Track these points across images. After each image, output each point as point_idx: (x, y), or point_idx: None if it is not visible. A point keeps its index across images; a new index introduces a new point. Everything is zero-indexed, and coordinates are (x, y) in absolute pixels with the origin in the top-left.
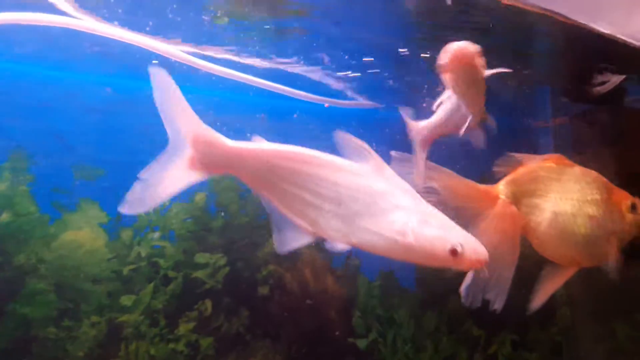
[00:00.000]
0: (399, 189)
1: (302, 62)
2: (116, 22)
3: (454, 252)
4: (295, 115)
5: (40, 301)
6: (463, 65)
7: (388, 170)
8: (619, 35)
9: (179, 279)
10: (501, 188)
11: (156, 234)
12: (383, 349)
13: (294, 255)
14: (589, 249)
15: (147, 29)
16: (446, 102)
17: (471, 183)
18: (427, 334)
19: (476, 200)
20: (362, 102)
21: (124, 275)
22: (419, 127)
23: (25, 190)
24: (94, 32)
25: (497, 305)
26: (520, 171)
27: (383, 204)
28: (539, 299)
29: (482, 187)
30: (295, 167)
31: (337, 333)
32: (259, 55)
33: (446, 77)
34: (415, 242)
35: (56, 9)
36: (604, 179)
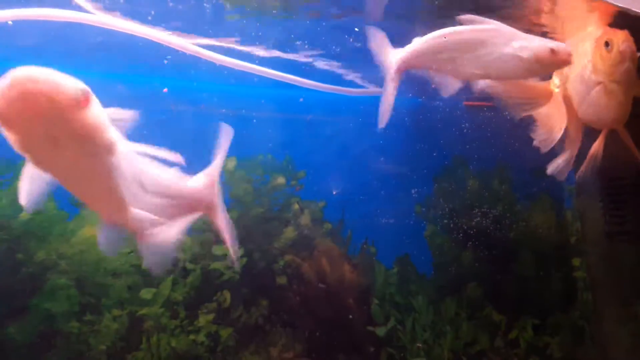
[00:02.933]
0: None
1: (307, 46)
2: (118, 12)
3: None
4: (301, 99)
5: (62, 296)
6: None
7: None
8: (635, 9)
9: (198, 271)
10: (554, 81)
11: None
12: (402, 336)
13: (311, 245)
14: (590, 105)
15: (149, 18)
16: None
17: (530, 83)
18: (446, 320)
19: (536, 97)
20: (373, 89)
21: (143, 269)
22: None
23: None
24: (94, 24)
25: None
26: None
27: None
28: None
29: (539, 85)
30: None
31: (355, 321)
32: (262, 42)
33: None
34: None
35: None
36: (605, 28)
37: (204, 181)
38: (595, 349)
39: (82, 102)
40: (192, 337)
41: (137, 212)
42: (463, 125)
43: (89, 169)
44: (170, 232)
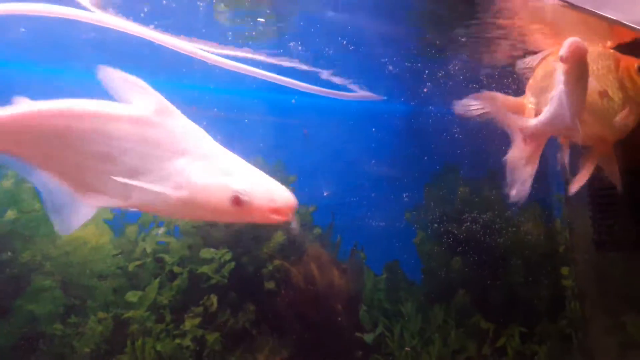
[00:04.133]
0: (183, 131)
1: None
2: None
3: (237, 201)
4: (293, 101)
5: (46, 298)
6: (579, 58)
7: (171, 110)
8: (625, 22)
9: (185, 274)
10: (526, 96)
11: (161, 230)
12: (390, 343)
13: (300, 249)
14: (607, 121)
15: (142, 15)
16: (555, 99)
17: (510, 98)
18: (434, 328)
19: (515, 110)
20: (365, 94)
21: (129, 272)
22: (527, 123)
23: (30, 188)
24: (86, 21)
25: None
26: (536, 73)
27: (159, 153)
28: (576, 184)
29: (513, 99)
30: (64, 125)
31: (343, 327)
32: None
33: (562, 70)
34: (191, 195)
35: None
36: (611, 50)
37: None
38: (583, 358)
39: None
40: (177, 341)
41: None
42: (454, 132)
43: None
44: None
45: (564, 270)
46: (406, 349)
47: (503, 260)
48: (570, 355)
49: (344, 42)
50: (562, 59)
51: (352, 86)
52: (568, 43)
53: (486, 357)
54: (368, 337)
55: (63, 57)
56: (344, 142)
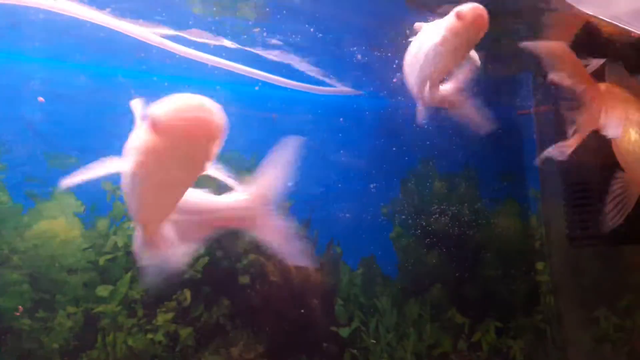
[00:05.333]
0: None
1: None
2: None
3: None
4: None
5: (13, 292)
6: (476, 24)
7: None
8: (602, 17)
9: None
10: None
11: (133, 223)
12: (366, 338)
13: None
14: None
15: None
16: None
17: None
18: (410, 322)
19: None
20: (342, 89)
21: (100, 266)
22: None
23: None
24: (70, 15)
25: None
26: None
27: None
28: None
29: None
30: None
31: (319, 322)
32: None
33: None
34: None
35: None
36: None
37: (245, 197)
38: (557, 353)
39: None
40: (149, 336)
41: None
42: (431, 127)
43: (184, 186)
44: (179, 251)
45: (540, 265)
46: (372, 341)
47: (479, 255)
48: (545, 349)
49: (319, 34)
50: (458, 15)
51: (324, 78)
52: (475, 5)
53: (462, 351)
54: (344, 332)
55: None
56: (318, 136)
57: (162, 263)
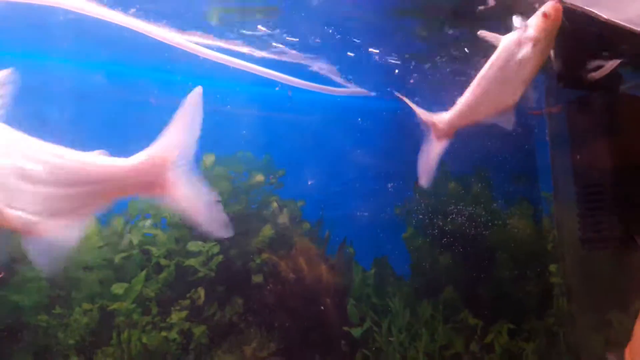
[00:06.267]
0: None
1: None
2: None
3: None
4: (277, 88)
5: (31, 288)
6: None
7: None
8: (616, 20)
9: (171, 267)
10: None
11: (148, 222)
12: (378, 338)
13: (288, 243)
14: None
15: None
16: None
17: None
18: (422, 323)
19: None
20: (354, 89)
21: (115, 263)
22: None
23: None
24: (81, 12)
25: None
26: None
27: None
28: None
29: None
30: None
31: (331, 321)
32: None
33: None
34: None
35: None
36: None
37: (141, 158)
38: (569, 355)
39: None
40: (163, 333)
41: (8, 212)
42: None
43: None
44: (66, 231)
45: (552, 267)
46: (390, 338)
47: (492, 256)
48: (557, 352)
49: (337, 36)
50: (545, 14)
51: (339, 79)
52: (550, 2)
53: (474, 353)
54: (356, 332)
55: None
56: (333, 137)
57: (50, 244)
